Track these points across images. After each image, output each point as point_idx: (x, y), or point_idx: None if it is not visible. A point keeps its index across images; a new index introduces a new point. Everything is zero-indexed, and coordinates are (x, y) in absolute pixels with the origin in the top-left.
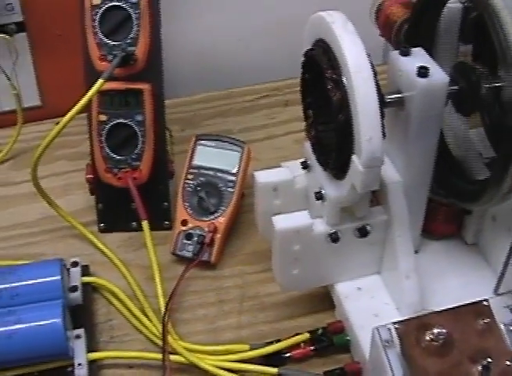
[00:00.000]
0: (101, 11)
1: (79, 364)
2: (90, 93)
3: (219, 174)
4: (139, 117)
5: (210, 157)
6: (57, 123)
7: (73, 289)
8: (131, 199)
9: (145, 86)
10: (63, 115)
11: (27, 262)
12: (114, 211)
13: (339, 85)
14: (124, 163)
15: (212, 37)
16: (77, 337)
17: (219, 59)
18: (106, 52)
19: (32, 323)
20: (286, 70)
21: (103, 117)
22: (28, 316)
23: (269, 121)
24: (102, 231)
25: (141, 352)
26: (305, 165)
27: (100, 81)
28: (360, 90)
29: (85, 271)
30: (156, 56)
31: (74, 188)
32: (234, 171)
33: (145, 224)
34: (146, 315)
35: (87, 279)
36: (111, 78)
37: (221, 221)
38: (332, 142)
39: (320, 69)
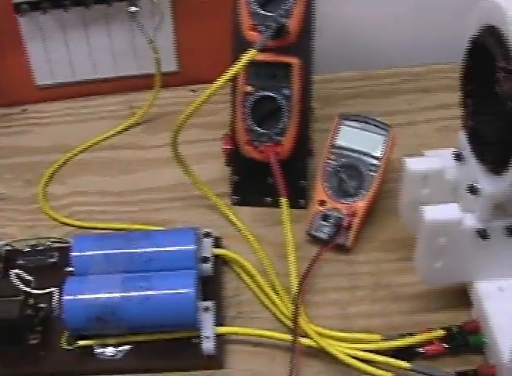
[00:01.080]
0: None
1: (206, 337)
2: (241, 63)
3: (362, 156)
4: (286, 92)
5: (354, 138)
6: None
7: (205, 260)
8: (267, 173)
9: (294, 60)
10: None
11: (158, 227)
12: (249, 184)
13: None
14: (267, 137)
15: (357, 16)
16: (206, 309)
17: (362, 39)
18: (257, 22)
19: (165, 291)
20: (427, 56)
21: (249, 88)
22: (161, 283)
23: (409, 106)
24: (235, 204)
25: (270, 332)
26: (458, 156)
27: (252, 51)
28: None
29: (217, 243)
30: (308, 31)
31: (208, 157)
32: (378, 154)
33: (284, 201)
34: (276, 293)
35: (218, 251)
36: (261, 49)
37: (360, 205)
38: (493, 134)
39: (490, 57)
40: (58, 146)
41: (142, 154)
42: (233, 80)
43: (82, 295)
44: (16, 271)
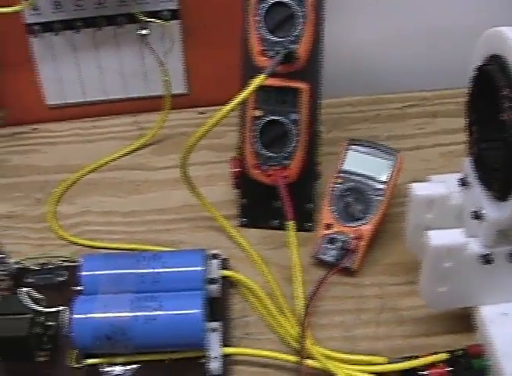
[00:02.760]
0: (266, 6)
1: (214, 357)
2: (251, 88)
3: (369, 181)
4: (294, 116)
5: (361, 162)
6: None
7: (213, 281)
8: (275, 197)
9: (303, 86)
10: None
11: (167, 248)
12: (257, 207)
13: None
14: (275, 160)
15: (365, 40)
16: (213, 330)
17: (369, 63)
18: (267, 47)
19: (172, 311)
20: (435, 81)
21: (258, 113)
22: (169, 303)
23: (417, 131)
24: (242, 226)
25: (277, 353)
26: (463, 182)
27: (262, 76)
28: None
29: (224, 264)
30: (317, 56)
31: (216, 179)
32: (384, 179)
33: (291, 224)
34: (283, 315)
35: (226, 272)
36: (270, 74)
37: (366, 228)
38: (498, 161)
39: (495, 86)
40: (67, 165)
41: (150, 175)
42: (242, 104)
43: (91, 314)
44: (26, 289)
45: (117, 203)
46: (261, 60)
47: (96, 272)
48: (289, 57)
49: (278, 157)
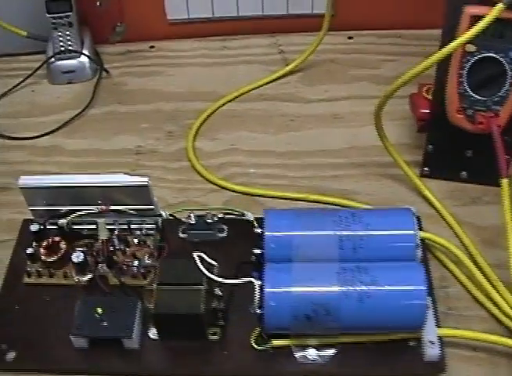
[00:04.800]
0: None
1: (431, 342)
2: (487, 19)
3: None
4: None
5: None
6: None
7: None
8: (468, 145)
9: None
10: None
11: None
12: (445, 156)
13: None
14: (483, 105)
15: None
16: (427, 307)
17: None
18: None
19: (391, 287)
20: None
21: (471, 48)
22: (385, 276)
23: None
24: (424, 176)
25: (501, 338)
26: None
27: (500, 6)
28: None
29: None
30: None
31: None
32: None
33: (505, 182)
34: (493, 287)
35: (424, 234)
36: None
37: None
38: None
39: None
40: (198, 92)
41: (303, 109)
42: (451, 38)
43: (289, 288)
44: (199, 253)
45: (269, 140)
46: None
47: (284, 233)
48: None
49: (487, 101)
